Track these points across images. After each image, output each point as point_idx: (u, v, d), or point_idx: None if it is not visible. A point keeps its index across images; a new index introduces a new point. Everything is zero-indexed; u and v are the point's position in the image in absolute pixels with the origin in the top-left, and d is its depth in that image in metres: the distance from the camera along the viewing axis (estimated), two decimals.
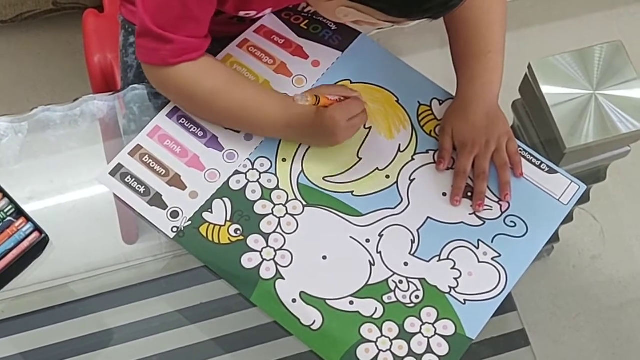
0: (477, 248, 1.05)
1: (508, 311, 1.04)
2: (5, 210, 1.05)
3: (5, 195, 1.06)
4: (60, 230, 1.06)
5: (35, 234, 1.05)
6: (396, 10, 0.91)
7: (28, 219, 1.05)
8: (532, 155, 1.11)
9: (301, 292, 1.02)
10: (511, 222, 1.07)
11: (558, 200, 1.08)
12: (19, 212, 1.06)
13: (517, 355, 1.03)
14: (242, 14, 1.10)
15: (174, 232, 1.04)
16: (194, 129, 1.10)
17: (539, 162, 1.10)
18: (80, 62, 1.40)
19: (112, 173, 1.07)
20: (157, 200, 1.06)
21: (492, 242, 1.05)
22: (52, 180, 1.11)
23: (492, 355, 1.02)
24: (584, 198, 1.11)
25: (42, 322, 1.03)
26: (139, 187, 1.06)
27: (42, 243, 1.05)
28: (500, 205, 1.07)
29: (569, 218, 1.12)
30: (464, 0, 0.92)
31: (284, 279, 1.03)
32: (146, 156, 1.08)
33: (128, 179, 1.07)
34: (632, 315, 1.13)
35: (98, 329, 1.03)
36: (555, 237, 1.14)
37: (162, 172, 1.08)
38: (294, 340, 1.01)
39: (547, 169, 1.10)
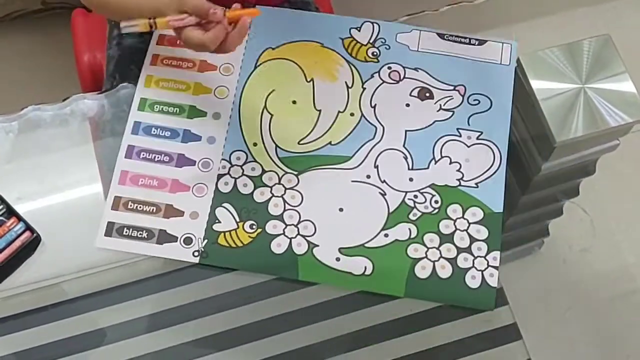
0: (460, 136, 1.11)
1: (500, 305, 1.04)
2: None
3: None
4: (52, 230, 1.06)
5: (27, 234, 1.04)
6: None
7: (19, 219, 1.05)
8: (458, 36, 1.17)
9: (339, 249, 1.04)
10: (474, 100, 1.13)
11: (500, 64, 1.15)
12: (10, 212, 1.05)
13: (509, 349, 1.03)
14: None
15: (195, 256, 1.04)
16: (158, 157, 1.09)
17: (467, 39, 1.17)
18: (69, 62, 1.40)
19: (107, 234, 1.05)
20: (164, 237, 1.05)
21: (468, 124, 1.11)
22: (42, 180, 1.10)
23: (484, 350, 1.03)
24: (574, 192, 1.12)
25: (34, 322, 1.02)
26: (140, 234, 1.05)
27: (33, 243, 1.04)
28: (458, 91, 1.14)
29: (558, 212, 1.12)
30: None
31: (317, 245, 1.05)
32: (129, 203, 1.07)
33: (126, 232, 1.05)
34: (622, 309, 1.13)
35: (90, 329, 1.03)
36: (545, 232, 1.14)
37: (153, 209, 1.06)
38: (288, 335, 1.01)
39: (477, 42, 1.17)
